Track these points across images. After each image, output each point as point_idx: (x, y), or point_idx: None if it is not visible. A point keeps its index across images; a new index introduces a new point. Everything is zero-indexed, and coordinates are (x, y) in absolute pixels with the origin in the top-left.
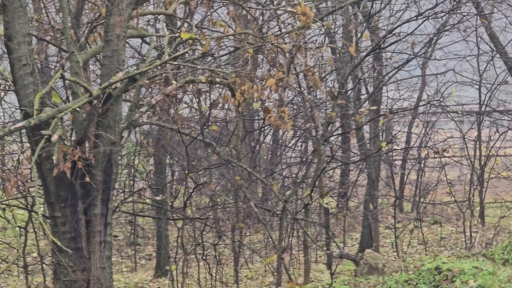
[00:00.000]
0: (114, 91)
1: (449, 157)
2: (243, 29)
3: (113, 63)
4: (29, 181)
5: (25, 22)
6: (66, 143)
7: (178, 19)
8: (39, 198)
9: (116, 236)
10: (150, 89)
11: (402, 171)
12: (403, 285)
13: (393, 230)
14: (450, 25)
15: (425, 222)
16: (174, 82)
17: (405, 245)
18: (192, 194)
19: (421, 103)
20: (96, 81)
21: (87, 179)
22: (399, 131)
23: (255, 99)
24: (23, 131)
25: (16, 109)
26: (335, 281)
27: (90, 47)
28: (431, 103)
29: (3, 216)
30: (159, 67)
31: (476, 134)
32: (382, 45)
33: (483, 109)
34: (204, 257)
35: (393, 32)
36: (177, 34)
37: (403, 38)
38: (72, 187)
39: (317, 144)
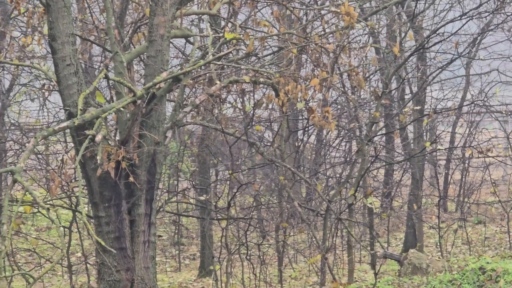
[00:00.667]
0: (158, 91)
1: (493, 157)
2: (287, 29)
3: (157, 63)
4: (73, 181)
5: (69, 22)
6: (110, 143)
7: (222, 19)
8: (83, 198)
9: (160, 236)
10: (194, 89)
11: (446, 171)
12: (447, 285)
13: (437, 230)
14: (494, 25)
15: (469, 222)
16: (218, 82)
17: (449, 245)
18: (236, 194)
19: (465, 103)
20: (140, 81)
21: (131, 179)
22: (443, 131)
23: (299, 99)
24: (67, 131)
25: (60, 109)
26: (379, 281)
27: (134, 47)
28: (475, 103)
29: (47, 216)
30: (203, 67)
31: None
32: (426, 45)
33: None
34: (248, 257)
35: (437, 32)
36: (221, 34)
37: (447, 38)
38: (116, 187)
39: (361, 144)
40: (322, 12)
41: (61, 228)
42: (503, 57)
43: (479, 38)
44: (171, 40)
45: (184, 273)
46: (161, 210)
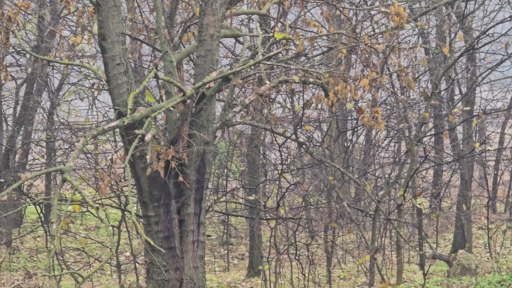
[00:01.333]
0: (207, 91)
1: None
2: (337, 29)
3: (207, 63)
4: (122, 180)
5: (119, 21)
6: (159, 142)
7: (271, 19)
8: (132, 198)
9: (209, 236)
10: (243, 89)
11: (495, 172)
12: (496, 286)
13: (486, 231)
14: None
15: None
16: (267, 82)
17: (498, 246)
18: (285, 194)
19: None
20: (189, 81)
21: (181, 178)
22: (493, 131)
23: (348, 99)
24: (117, 130)
25: (110, 108)
26: (427, 282)
27: (184, 47)
28: None
29: (96, 215)
30: (252, 67)
31: None
32: (475, 45)
33: None
34: (296, 257)
35: (487, 33)
36: (270, 34)
37: (497, 38)
38: (166, 187)
39: (410, 145)
40: (372, 12)
41: (110, 228)
42: None
43: None
44: (220, 40)
45: (233, 272)
46: (210, 209)
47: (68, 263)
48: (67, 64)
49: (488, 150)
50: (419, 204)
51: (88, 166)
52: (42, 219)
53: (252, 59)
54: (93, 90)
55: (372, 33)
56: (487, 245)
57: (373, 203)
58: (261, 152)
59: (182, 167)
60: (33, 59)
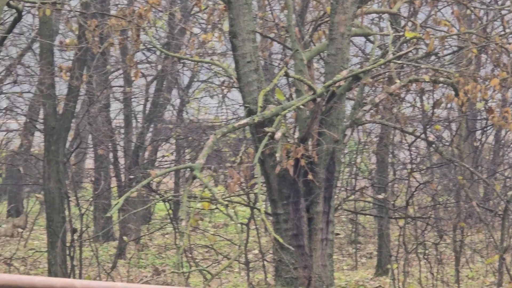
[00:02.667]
0: (337, 89)
1: None
2: (467, 28)
3: (337, 61)
4: (251, 178)
5: (249, 20)
6: (289, 140)
7: (402, 18)
8: (261, 195)
9: (337, 234)
10: (373, 88)
11: None
12: None
13: None
14: None
15: None
16: (397, 81)
17: None
18: (414, 193)
19: None
20: (319, 79)
21: (310, 176)
22: None
23: (478, 99)
24: (247, 128)
25: (240, 106)
26: None
27: (314, 45)
28: None
29: (225, 212)
30: (382, 66)
31: None
32: None
33: None
34: (425, 256)
35: None
36: (401, 33)
37: None
38: (295, 185)
39: None
40: (503, 12)
41: (239, 225)
42: None
43: None
44: (351, 38)
45: (361, 271)
46: (339, 208)
47: (197, 260)
48: (198, 61)
49: None
50: None
51: (218, 164)
52: (171, 216)
53: (382, 58)
54: (223, 87)
55: (503, 32)
56: None
57: (503, 203)
58: (390, 151)
59: (312, 165)
60: (163, 56)
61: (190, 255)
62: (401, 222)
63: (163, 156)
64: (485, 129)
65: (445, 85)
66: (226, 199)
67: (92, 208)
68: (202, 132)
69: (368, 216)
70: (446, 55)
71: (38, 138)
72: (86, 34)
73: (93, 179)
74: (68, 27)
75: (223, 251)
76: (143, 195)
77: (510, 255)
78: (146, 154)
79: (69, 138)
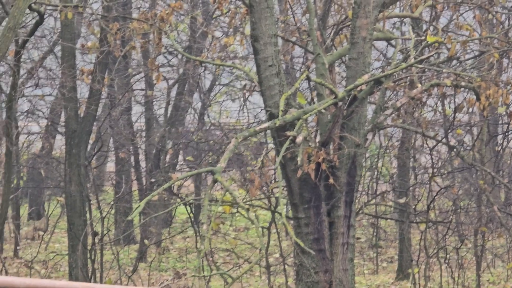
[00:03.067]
0: (359, 93)
1: None
2: (489, 33)
3: (359, 65)
4: (272, 182)
5: (271, 23)
6: (310, 144)
7: (424, 22)
8: (282, 199)
9: (358, 238)
10: (395, 92)
11: None
12: None
13: None
14: None
15: None
16: (419, 85)
17: None
18: (436, 197)
19: None
20: (341, 83)
21: (331, 180)
22: None
23: (500, 104)
24: (268, 131)
25: (261, 109)
26: None
27: (336, 49)
28: None
29: (246, 216)
30: (404, 70)
31: None
32: None
33: None
34: (446, 261)
35: None
36: (423, 37)
37: None
38: (316, 189)
39: None
40: None
41: (260, 229)
42: None
43: None
44: (372, 43)
45: (382, 275)
46: (360, 212)
47: (218, 264)
48: (219, 65)
49: None
50: None
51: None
52: (192, 219)
53: (404, 62)
54: (244, 91)
55: None
56: None
57: None
58: (412, 155)
59: (333, 169)
60: (185, 60)
61: (211, 259)
62: (422, 227)
63: (185, 160)
64: (506, 133)
65: (467, 90)
66: (247, 202)
67: (113, 211)
68: (223, 136)
69: (389, 220)
70: (468, 59)
71: (60, 141)
72: (108, 37)
73: (114, 182)
74: (90, 30)
75: (244, 255)
76: (164, 199)
77: None
78: (168, 157)
79: (91, 141)
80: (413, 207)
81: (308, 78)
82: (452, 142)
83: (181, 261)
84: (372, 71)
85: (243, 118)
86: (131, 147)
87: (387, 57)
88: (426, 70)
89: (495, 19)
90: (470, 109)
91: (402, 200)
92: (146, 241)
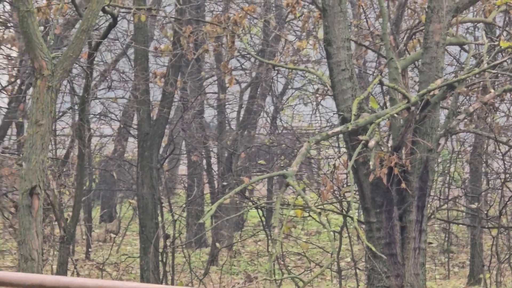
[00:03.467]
0: (432, 98)
1: None
2: None
3: (432, 70)
4: (344, 186)
5: (345, 27)
6: (383, 149)
7: (497, 27)
8: (354, 203)
9: (430, 243)
10: (467, 97)
11: None
12: None
13: None
14: None
15: None
16: (492, 90)
17: None
18: (508, 203)
19: None
20: (414, 88)
21: (403, 185)
22: None
23: None
24: (340, 136)
25: (334, 113)
26: None
27: (409, 54)
28: None
29: (318, 220)
30: (477, 75)
31: None
32: None
33: None
34: None
35: None
36: (496, 43)
37: None
38: (388, 193)
39: None
40: None
41: (332, 233)
42: None
43: None
44: (446, 47)
45: (453, 280)
46: (432, 217)
47: (289, 268)
48: (292, 68)
49: None
50: None
51: (311, 171)
52: (264, 223)
53: (477, 68)
54: (317, 95)
55: None
56: None
57: None
58: (484, 161)
59: (405, 174)
60: (258, 63)
61: (282, 262)
62: (494, 232)
63: (257, 163)
64: None
65: None
66: (319, 206)
67: (185, 214)
68: (295, 140)
69: (461, 225)
70: None
71: (132, 144)
72: (181, 40)
73: (186, 185)
74: (163, 33)
75: (315, 259)
76: (236, 202)
77: None
78: (240, 161)
79: (163, 144)
80: (485, 212)
81: (380, 83)
82: None
83: (253, 265)
84: (445, 76)
85: (316, 122)
86: (203, 150)
87: (460, 62)
88: (499, 75)
89: None
90: None
91: (474, 206)
92: (217, 244)
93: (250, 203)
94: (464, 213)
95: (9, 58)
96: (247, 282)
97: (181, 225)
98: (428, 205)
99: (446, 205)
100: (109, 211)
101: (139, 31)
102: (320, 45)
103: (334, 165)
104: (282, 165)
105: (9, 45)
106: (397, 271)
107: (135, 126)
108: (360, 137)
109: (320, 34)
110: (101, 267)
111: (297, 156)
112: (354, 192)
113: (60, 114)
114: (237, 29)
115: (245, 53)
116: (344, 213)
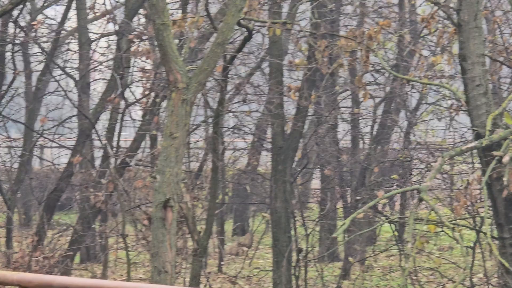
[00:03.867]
0: None
1: None
2: None
3: None
4: (478, 201)
5: (480, 43)
6: None
7: None
8: (487, 219)
9: None
10: None
11: None
12: None
13: None
14: None
15: None
16: None
17: None
18: None
19: None
20: None
21: None
22: None
23: None
24: (474, 151)
25: (468, 129)
26: None
27: None
28: None
29: (451, 235)
30: None
31: None
32: None
33: None
34: None
35: None
36: None
37: None
38: None
39: None
40: None
41: (464, 248)
42: None
43: None
44: None
45: None
46: None
47: (421, 283)
48: (427, 83)
49: None
50: None
51: (444, 186)
52: (396, 238)
53: None
54: (451, 110)
55: None
56: None
57: None
58: None
59: None
60: (392, 78)
61: (415, 277)
62: None
63: (390, 178)
64: None
65: None
66: (452, 222)
67: (317, 228)
68: (429, 155)
69: None
70: None
71: (265, 157)
72: (315, 54)
73: (319, 199)
74: (298, 47)
75: (448, 274)
76: (369, 216)
77: None
78: (373, 175)
79: (296, 158)
80: None
81: None
82: None
83: (385, 279)
84: None
85: (449, 137)
86: (336, 165)
87: None
88: None
89: None
90: None
91: None
92: (350, 259)
93: (383, 218)
94: None
95: (143, 70)
96: None
97: (314, 239)
98: None
99: None
100: (241, 225)
101: (274, 44)
102: (455, 60)
103: (467, 180)
104: (416, 180)
105: (144, 58)
106: None
107: (269, 140)
108: (494, 153)
109: (455, 49)
110: (233, 280)
111: (431, 171)
112: (488, 207)
113: (194, 127)
114: (371, 44)
115: (380, 67)
116: (477, 228)
